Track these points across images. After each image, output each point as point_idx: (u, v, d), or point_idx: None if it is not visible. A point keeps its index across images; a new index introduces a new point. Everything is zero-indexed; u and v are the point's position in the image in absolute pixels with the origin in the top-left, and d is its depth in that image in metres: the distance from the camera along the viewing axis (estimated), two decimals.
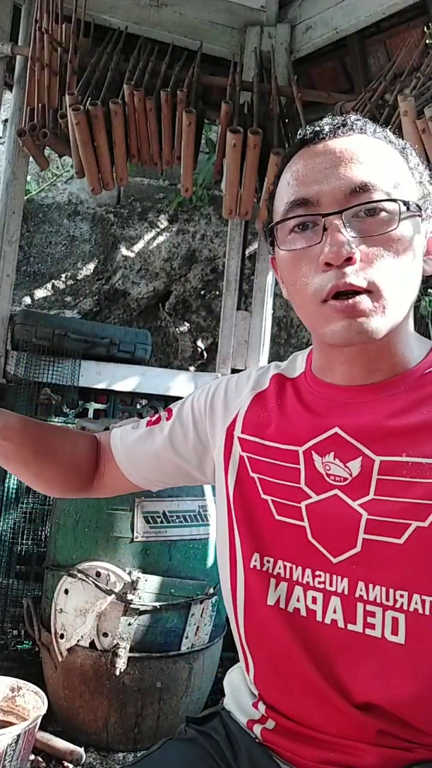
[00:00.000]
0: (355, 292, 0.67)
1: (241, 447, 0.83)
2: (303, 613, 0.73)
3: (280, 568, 0.76)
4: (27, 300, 3.81)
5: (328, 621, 0.71)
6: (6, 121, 3.16)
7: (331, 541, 0.73)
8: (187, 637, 1.77)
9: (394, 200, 0.68)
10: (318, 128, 0.73)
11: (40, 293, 3.86)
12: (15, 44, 2.50)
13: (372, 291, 0.67)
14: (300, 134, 0.76)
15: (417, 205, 0.71)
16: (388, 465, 0.70)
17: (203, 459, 0.91)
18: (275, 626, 0.75)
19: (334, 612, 0.71)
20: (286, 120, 2.39)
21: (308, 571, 0.74)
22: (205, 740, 0.80)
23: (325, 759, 0.70)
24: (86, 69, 2.32)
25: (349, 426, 0.73)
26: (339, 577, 0.72)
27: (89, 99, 2.18)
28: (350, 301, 0.67)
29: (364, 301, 0.67)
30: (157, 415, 0.97)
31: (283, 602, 0.75)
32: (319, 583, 0.73)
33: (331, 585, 0.72)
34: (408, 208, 0.69)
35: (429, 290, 3.15)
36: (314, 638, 0.72)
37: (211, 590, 1.80)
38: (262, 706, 0.77)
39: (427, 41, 2.25)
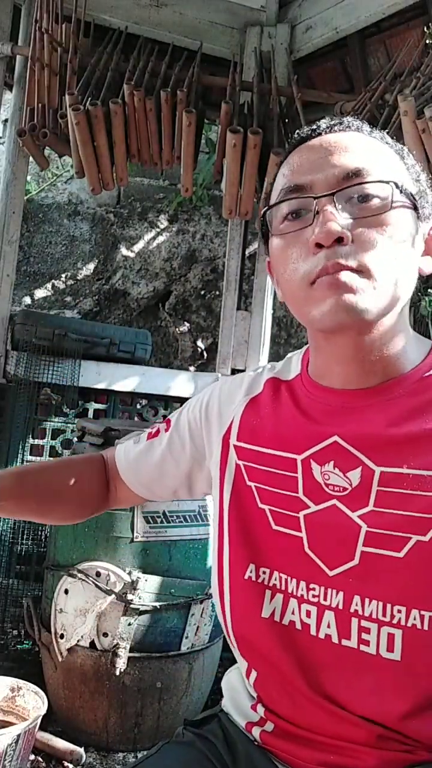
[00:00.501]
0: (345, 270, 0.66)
1: (237, 455, 0.81)
2: (298, 626, 0.72)
3: (276, 580, 0.75)
4: (27, 300, 3.81)
5: (322, 635, 0.70)
6: (6, 121, 3.16)
7: (328, 553, 0.71)
8: (187, 637, 1.77)
9: (386, 182, 0.68)
10: (315, 127, 0.74)
11: (40, 293, 3.86)
12: (15, 44, 2.50)
13: (363, 271, 0.66)
14: (297, 133, 0.76)
15: (411, 195, 0.70)
16: (388, 476, 0.68)
17: (202, 469, 0.90)
18: (268, 639, 0.74)
19: (328, 627, 0.70)
20: (286, 120, 2.39)
21: (303, 584, 0.72)
22: (202, 743, 0.79)
23: (324, 762, 0.70)
24: (86, 69, 2.32)
25: (349, 434, 0.72)
26: (334, 591, 0.70)
27: (89, 99, 2.18)
28: (338, 275, 0.65)
29: (353, 278, 0.65)
30: (156, 428, 0.97)
31: (278, 615, 0.74)
32: (314, 596, 0.71)
33: (325, 599, 0.70)
34: (401, 192, 0.68)
35: (429, 290, 3.15)
36: (308, 652, 0.71)
37: (211, 590, 1.80)
38: (261, 709, 0.77)
39: (427, 41, 2.25)
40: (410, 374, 0.73)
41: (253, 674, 0.78)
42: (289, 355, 0.88)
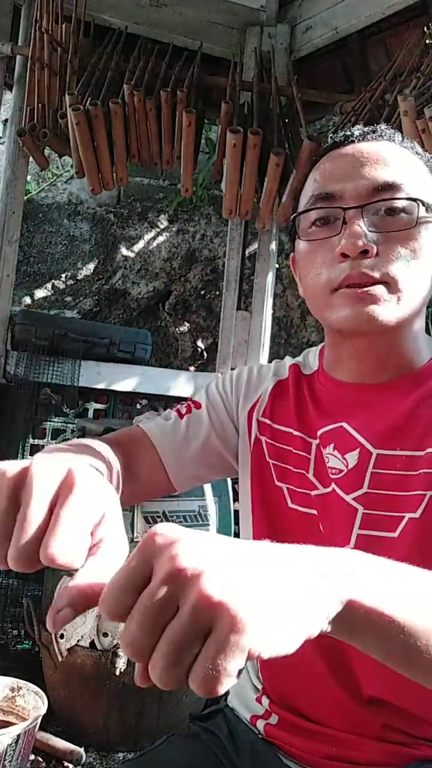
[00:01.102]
0: (369, 282, 0.68)
1: (259, 430, 0.84)
2: None
3: None
4: (27, 300, 3.81)
5: None
6: (6, 121, 3.16)
7: (329, 537, 0.73)
8: None
9: (414, 199, 0.69)
10: (348, 133, 0.75)
11: (40, 293, 3.86)
12: (15, 44, 2.50)
13: (388, 282, 0.68)
14: (330, 138, 0.78)
15: None
16: (383, 458, 0.71)
17: (228, 445, 0.88)
18: None
19: None
20: (286, 120, 2.39)
21: None
22: (207, 736, 0.80)
23: (327, 754, 0.71)
24: (86, 69, 2.32)
25: (356, 422, 0.74)
26: None
27: (89, 99, 2.18)
28: (364, 289, 0.68)
29: (378, 290, 0.68)
30: (183, 406, 0.89)
31: None
32: None
33: None
34: (427, 210, 0.70)
35: None
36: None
37: None
38: (265, 701, 0.78)
39: (427, 41, 2.25)
40: (421, 371, 0.75)
41: (261, 661, 0.79)
42: (306, 351, 0.91)
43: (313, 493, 0.75)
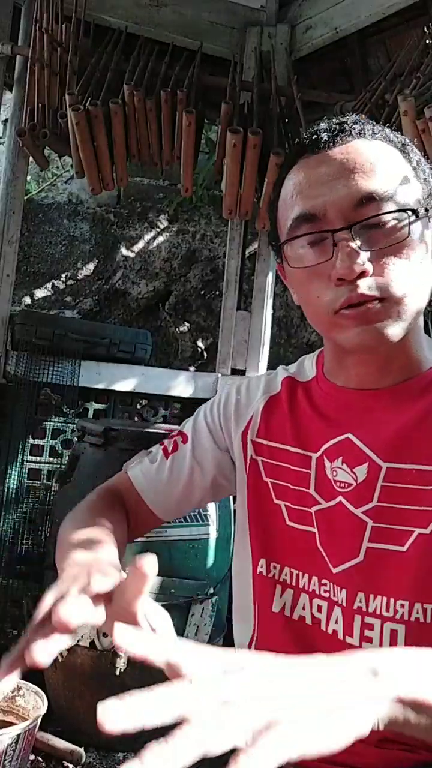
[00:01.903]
0: (369, 302, 0.67)
1: (254, 451, 0.82)
2: (308, 621, 0.73)
3: (286, 575, 0.76)
4: (27, 300, 3.81)
5: (330, 631, 0.71)
6: (6, 121, 3.16)
7: (334, 550, 0.72)
8: (187, 637, 1.77)
9: (402, 210, 0.68)
10: (315, 136, 0.72)
11: (40, 293, 3.86)
12: (15, 44, 2.50)
13: (386, 298, 0.67)
14: (297, 142, 0.75)
15: (425, 209, 0.71)
16: (393, 472, 0.70)
17: (224, 471, 0.88)
18: (280, 633, 0.75)
19: (336, 622, 0.71)
20: (286, 120, 2.39)
21: (315, 579, 0.73)
22: None
23: (327, 758, 0.70)
24: (86, 69, 2.32)
25: (361, 432, 0.73)
26: (338, 588, 0.71)
27: (89, 99, 2.18)
28: (364, 307, 0.67)
29: (380, 307, 0.67)
30: (171, 441, 0.91)
31: (288, 610, 0.74)
32: (325, 591, 0.72)
33: (334, 594, 0.71)
34: (417, 216, 0.69)
35: None
36: (317, 648, 0.71)
37: (211, 590, 1.80)
38: None
39: (427, 41, 2.25)
40: (424, 375, 0.74)
41: None
42: (302, 357, 0.89)
43: (314, 508, 0.74)
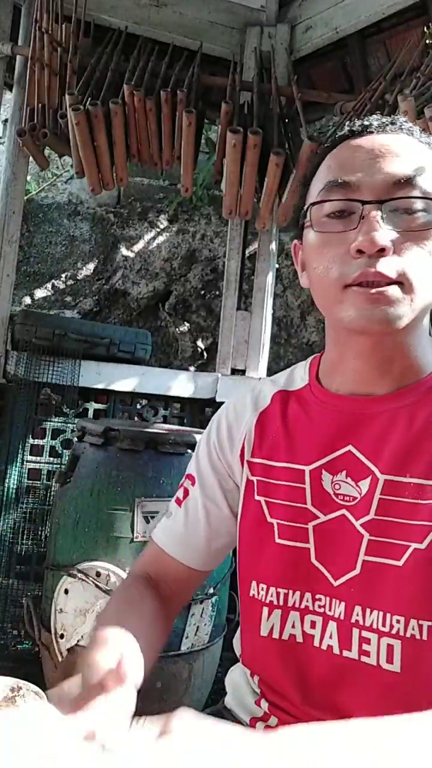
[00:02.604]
0: (384, 282, 0.66)
1: (250, 471, 0.81)
2: (299, 639, 0.72)
3: (272, 596, 0.74)
4: (27, 300, 3.82)
5: (324, 647, 0.70)
6: (6, 121, 3.16)
7: (334, 563, 0.71)
8: (187, 637, 1.77)
9: None
10: (367, 122, 0.73)
11: (40, 293, 3.86)
12: (15, 44, 2.50)
13: (403, 283, 0.66)
14: (348, 126, 0.75)
15: None
16: (391, 485, 0.69)
17: (235, 494, 0.86)
18: (270, 655, 0.74)
19: (330, 637, 0.70)
20: (286, 120, 2.39)
21: (308, 595, 0.72)
22: None
23: None
24: (86, 69, 2.32)
25: (363, 443, 0.72)
26: (337, 601, 0.70)
27: (89, 99, 2.18)
28: (379, 289, 0.66)
29: (392, 291, 0.66)
30: (181, 489, 0.90)
31: (277, 632, 0.73)
32: (320, 607, 0.71)
33: (330, 609, 0.70)
34: None
35: None
36: (310, 666, 0.71)
37: (211, 590, 1.80)
38: (264, 704, 0.77)
39: (427, 41, 2.25)
40: (423, 381, 0.73)
41: (256, 677, 0.79)
42: (292, 366, 0.88)
43: (312, 523, 0.73)
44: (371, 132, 0.72)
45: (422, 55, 2.22)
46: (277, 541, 0.75)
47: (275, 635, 0.73)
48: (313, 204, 0.72)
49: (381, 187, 0.68)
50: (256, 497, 0.79)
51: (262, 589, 0.75)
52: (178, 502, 0.89)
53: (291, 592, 0.73)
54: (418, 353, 0.73)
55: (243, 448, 0.83)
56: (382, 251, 0.65)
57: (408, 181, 0.67)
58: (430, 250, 0.68)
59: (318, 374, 0.81)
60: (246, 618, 0.79)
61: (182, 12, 2.61)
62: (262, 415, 0.83)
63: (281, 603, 0.73)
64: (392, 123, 0.73)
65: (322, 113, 3.01)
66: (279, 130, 2.28)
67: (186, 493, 0.88)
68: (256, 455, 0.81)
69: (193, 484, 0.88)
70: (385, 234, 0.66)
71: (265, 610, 0.74)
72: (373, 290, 0.66)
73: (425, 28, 2.31)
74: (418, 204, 0.67)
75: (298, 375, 0.85)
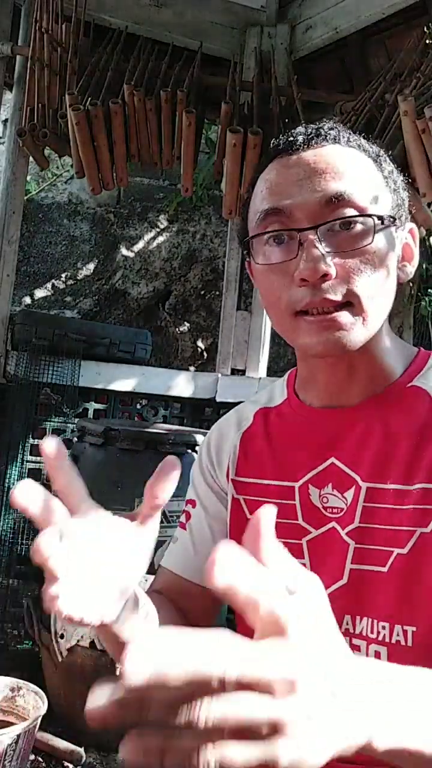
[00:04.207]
0: (332, 307, 0.66)
1: (235, 490, 0.81)
2: None
3: None
4: (27, 300, 3.82)
5: None
6: (6, 121, 3.16)
7: (324, 574, 0.71)
8: None
9: (369, 215, 0.67)
10: (291, 138, 0.72)
11: (40, 293, 3.86)
12: (15, 44, 2.50)
13: (352, 303, 0.66)
14: (273, 144, 0.74)
15: (391, 217, 0.70)
16: (373, 492, 0.69)
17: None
18: None
19: None
20: (286, 120, 2.39)
21: None
22: None
23: None
24: (86, 69, 2.32)
25: (344, 454, 0.72)
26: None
27: (89, 99, 2.18)
28: (329, 316, 0.66)
29: (342, 316, 0.66)
30: (183, 514, 0.90)
31: None
32: None
33: None
34: (383, 222, 0.68)
35: (429, 290, 3.14)
36: None
37: None
38: None
39: (427, 41, 2.25)
40: (393, 387, 0.74)
41: None
42: (272, 384, 0.88)
43: (305, 538, 0.73)
44: (297, 149, 0.71)
45: (422, 55, 2.22)
46: None
47: None
48: (251, 238, 0.73)
49: (314, 207, 0.67)
50: (249, 517, 0.78)
51: None
52: (182, 526, 0.89)
53: None
54: (384, 359, 0.74)
55: (228, 466, 0.83)
56: (325, 276, 0.65)
57: (339, 198, 0.67)
58: (373, 261, 0.67)
59: (295, 388, 0.82)
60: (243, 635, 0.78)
61: (182, 12, 2.61)
62: (245, 434, 0.84)
63: None
64: (317, 135, 0.71)
65: (322, 113, 3.00)
66: (279, 130, 2.28)
67: (188, 516, 0.88)
68: (240, 474, 0.81)
69: (194, 506, 0.88)
70: (325, 258, 0.65)
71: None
72: (324, 318, 0.66)
73: (425, 28, 2.31)
74: (354, 221, 0.67)
75: (278, 391, 0.85)
